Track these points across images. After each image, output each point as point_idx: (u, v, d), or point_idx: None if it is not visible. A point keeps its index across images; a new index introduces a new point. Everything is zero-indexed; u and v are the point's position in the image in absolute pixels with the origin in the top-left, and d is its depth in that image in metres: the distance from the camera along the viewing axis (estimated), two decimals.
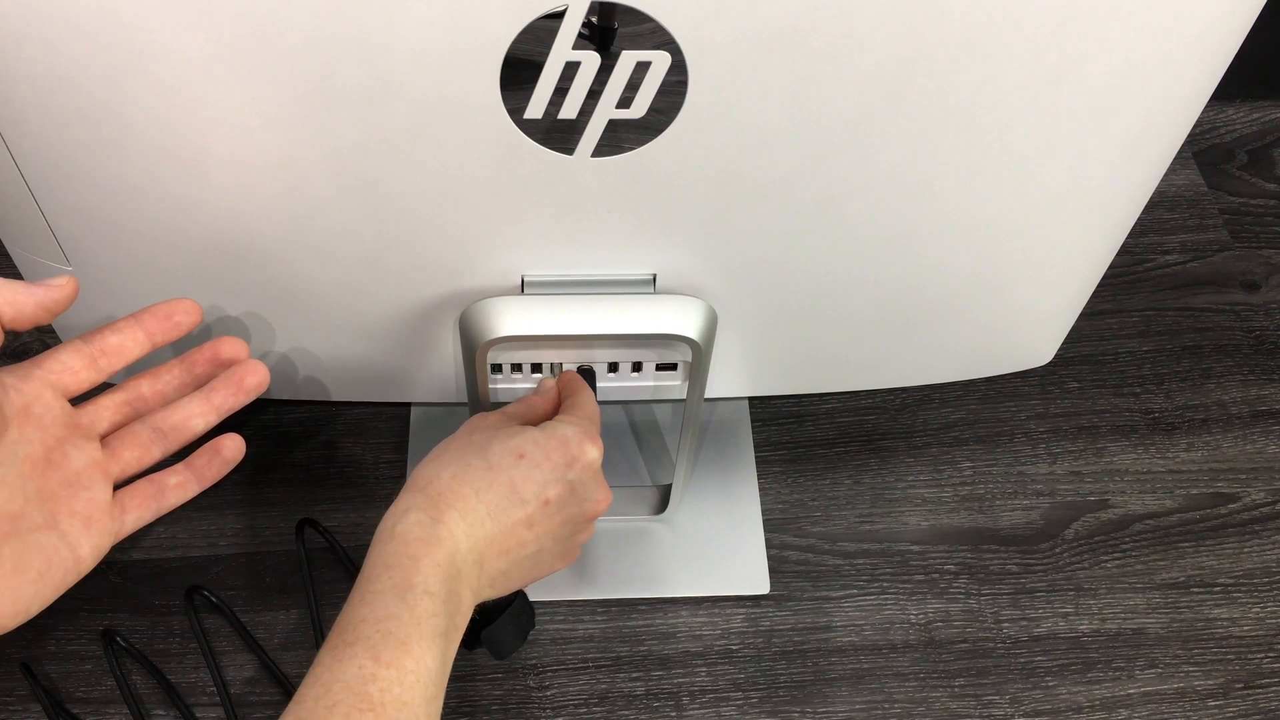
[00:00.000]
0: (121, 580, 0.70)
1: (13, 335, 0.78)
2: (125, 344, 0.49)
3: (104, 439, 0.49)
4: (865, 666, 0.69)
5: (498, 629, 0.55)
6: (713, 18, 0.42)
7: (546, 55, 0.43)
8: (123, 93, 0.44)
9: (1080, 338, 0.82)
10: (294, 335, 0.59)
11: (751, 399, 0.79)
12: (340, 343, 0.60)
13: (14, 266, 0.57)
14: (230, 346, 0.51)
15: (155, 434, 0.50)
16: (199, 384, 0.51)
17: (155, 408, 0.50)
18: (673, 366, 0.61)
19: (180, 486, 0.50)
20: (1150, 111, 0.49)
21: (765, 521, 0.73)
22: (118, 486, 0.49)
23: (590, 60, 0.43)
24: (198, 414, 0.50)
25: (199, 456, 0.51)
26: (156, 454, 0.50)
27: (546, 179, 0.48)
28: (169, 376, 0.51)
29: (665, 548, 0.72)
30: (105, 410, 0.49)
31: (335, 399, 0.66)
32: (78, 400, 0.48)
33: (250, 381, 0.51)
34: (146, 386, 0.51)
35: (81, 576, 0.47)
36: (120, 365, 0.49)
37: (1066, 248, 0.58)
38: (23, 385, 0.46)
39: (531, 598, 0.58)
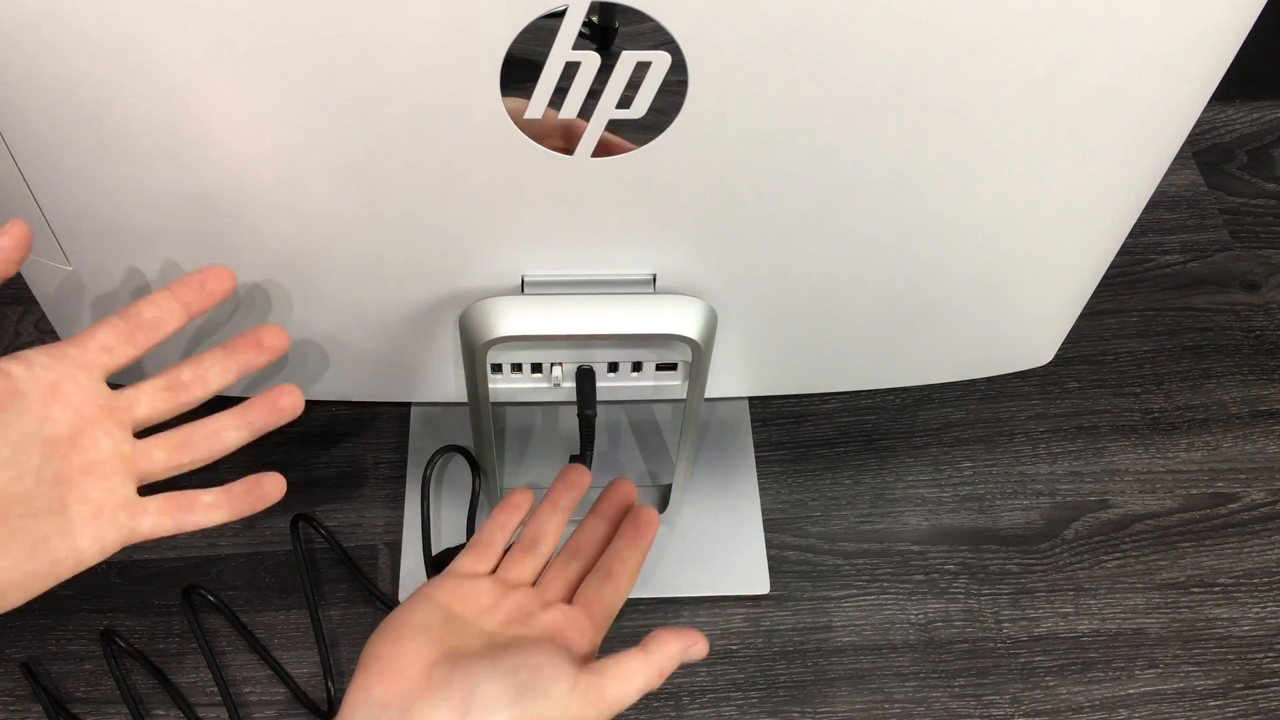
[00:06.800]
0: (121, 580, 0.70)
1: (12, 334, 0.78)
2: (161, 317, 0.48)
3: (138, 435, 0.48)
4: (865, 666, 0.69)
5: None
6: (713, 18, 0.42)
7: (546, 55, 0.43)
8: (123, 93, 0.44)
9: (1080, 338, 0.82)
10: (294, 335, 0.59)
11: (751, 399, 0.79)
12: (340, 342, 0.60)
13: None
14: (273, 336, 0.51)
15: (186, 440, 0.49)
16: (242, 372, 0.50)
17: (196, 396, 0.49)
18: (673, 366, 0.61)
19: (211, 508, 0.49)
20: (1150, 111, 0.49)
21: (765, 521, 0.73)
22: (143, 492, 0.48)
23: (590, 60, 0.43)
24: (230, 427, 0.50)
25: (239, 486, 0.50)
26: (185, 460, 0.49)
27: (546, 179, 0.48)
28: (210, 362, 0.50)
29: (665, 548, 0.72)
30: (144, 395, 0.48)
31: (335, 399, 0.66)
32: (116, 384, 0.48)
33: (285, 402, 0.51)
34: (188, 372, 0.49)
35: (79, 569, 0.45)
36: (158, 339, 0.48)
37: (1066, 248, 0.58)
38: (54, 364, 0.45)
39: None
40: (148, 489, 0.48)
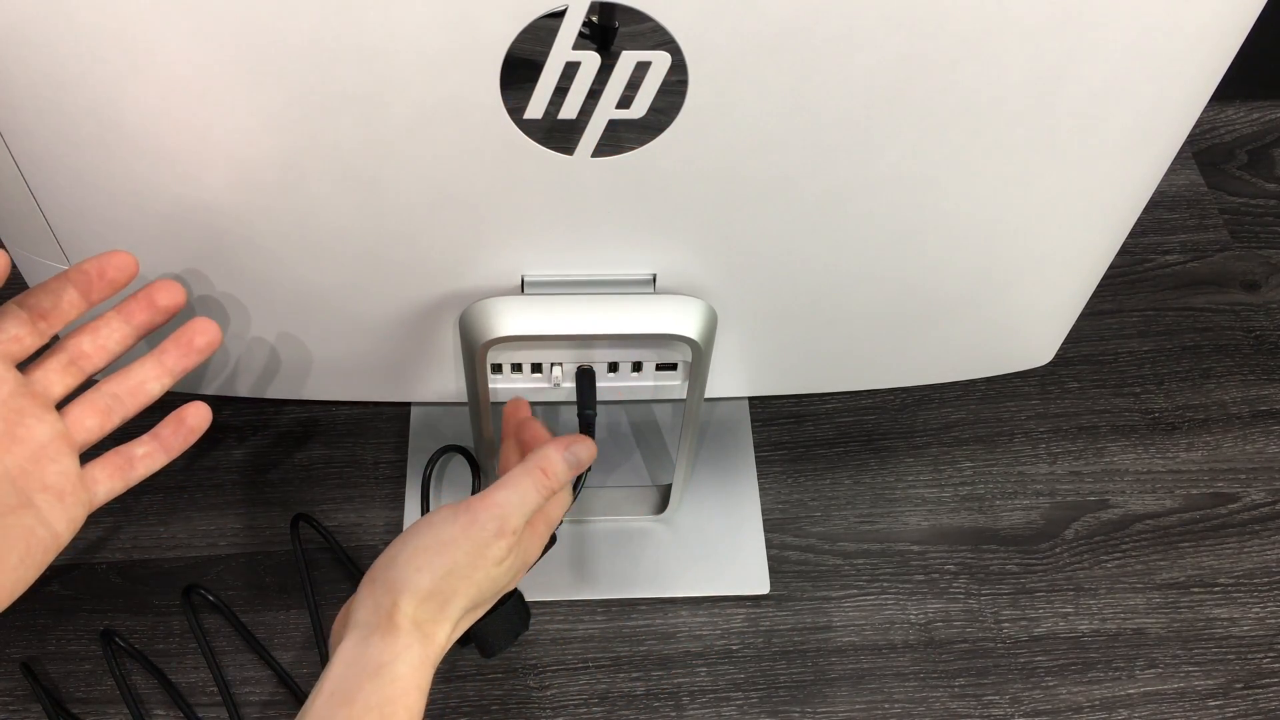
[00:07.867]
0: (121, 580, 0.70)
1: None
2: (61, 306, 0.48)
3: (60, 408, 0.48)
4: (865, 666, 0.69)
5: (486, 626, 0.55)
6: (713, 18, 0.42)
7: (546, 55, 0.43)
8: (123, 93, 0.44)
9: (1080, 338, 0.82)
10: (294, 335, 0.59)
11: (751, 399, 0.79)
12: (340, 342, 0.60)
13: (14, 266, 0.57)
14: (166, 292, 0.50)
15: (112, 400, 0.49)
16: (140, 333, 0.50)
17: (100, 364, 0.49)
18: (673, 366, 0.61)
19: (148, 457, 0.50)
20: (1150, 111, 0.49)
21: (765, 521, 0.73)
22: (83, 457, 0.48)
23: (590, 60, 0.43)
24: (152, 378, 0.50)
25: (165, 427, 0.51)
26: (116, 420, 0.49)
27: (546, 179, 0.48)
28: (109, 330, 0.49)
29: (665, 548, 0.72)
30: (54, 374, 0.48)
31: (335, 399, 0.66)
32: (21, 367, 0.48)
33: (200, 341, 0.51)
34: (88, 343, 0.49)
35: (60, 550, 0.47)
36: (58, 328, 0.48)
37: (1066, 248, 0.58)
38: None
39: (531, 598, 0.58)
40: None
